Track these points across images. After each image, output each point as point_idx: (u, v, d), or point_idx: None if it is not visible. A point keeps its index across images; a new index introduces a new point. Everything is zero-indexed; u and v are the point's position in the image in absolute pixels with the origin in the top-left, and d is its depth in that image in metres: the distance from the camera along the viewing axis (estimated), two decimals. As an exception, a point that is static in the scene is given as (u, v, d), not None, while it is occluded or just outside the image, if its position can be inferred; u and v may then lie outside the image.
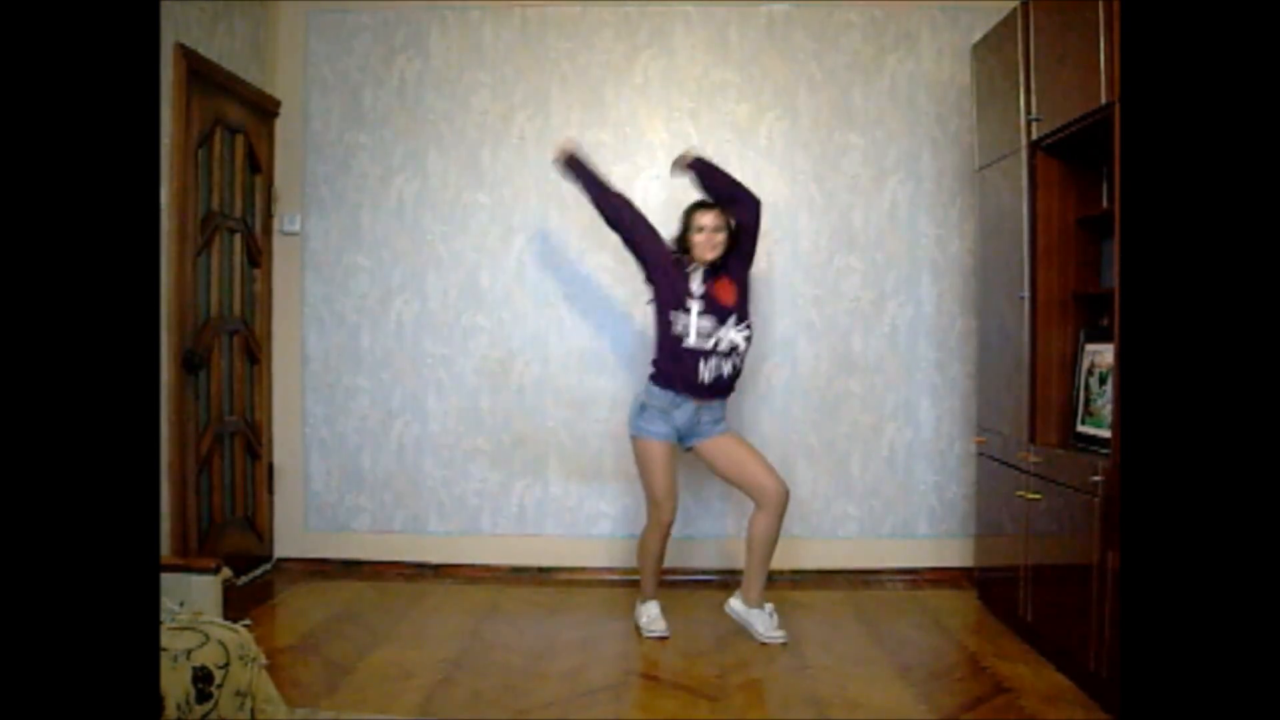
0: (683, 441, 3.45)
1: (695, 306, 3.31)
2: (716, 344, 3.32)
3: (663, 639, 3.42)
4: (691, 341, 3.31)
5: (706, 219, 3.36)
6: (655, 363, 3.43)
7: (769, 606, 3.41)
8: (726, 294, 3.36)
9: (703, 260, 3.36)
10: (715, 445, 3.44)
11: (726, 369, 3.35)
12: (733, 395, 3.50)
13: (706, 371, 3.32)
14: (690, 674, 3.06)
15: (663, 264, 3.38)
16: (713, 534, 4.24)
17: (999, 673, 3.03)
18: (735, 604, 3.47)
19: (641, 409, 3.41)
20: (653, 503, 3.45)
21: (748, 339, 3.37)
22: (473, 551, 4.28)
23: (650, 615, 3.50)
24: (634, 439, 3.44)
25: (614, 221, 3.45)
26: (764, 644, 3.33)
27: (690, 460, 4.24)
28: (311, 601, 3.84)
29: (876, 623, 3.60)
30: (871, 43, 4.22)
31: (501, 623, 3.62)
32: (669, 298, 3.35)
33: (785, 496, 3.38)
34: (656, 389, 3.38)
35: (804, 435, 4.24)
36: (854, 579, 4.17)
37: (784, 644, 3.32)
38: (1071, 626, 2.88)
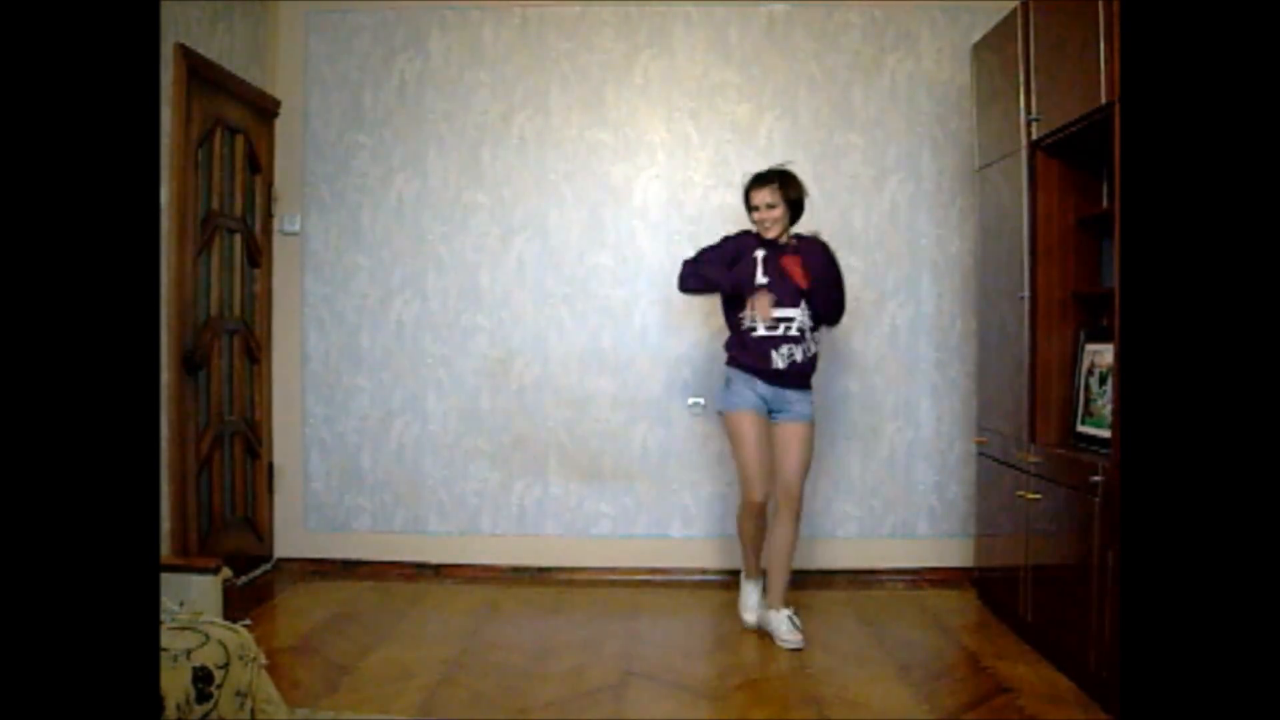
0: (772, 415, 3.39)
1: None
2: (788, 330, 3.31)
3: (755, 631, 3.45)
4: (761, 330, 3.31)
5: (758, 196, 3.37)
6: (727, 347, 3.44)
7: (787, 611, 3.38)
8: (800, 273, 3.33)
9: (766, 237, 3.37)
10: (788, 430, 3.39)
11: (799, 355, 3.33)
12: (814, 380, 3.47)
13: (779, 358, 3.31)
14: (690, 674, 3.07)
15: (732, 265, 3.36)
16: (715, 534, 4.24)
17: (999, 673, 3.03)
18: (760, 610, 3.48)
19: (726, 384, 3.41)
20: (741, 480, 3.42)
21: (813, 328, 3.35)
22: (473, 551, 4.28)
23: (744, 602, 3.52)
24: (722, 414, 3.45)
25: (701, 290, 3.49)
26: (782, 647, 3.28)
27: (689, 459, 4.25)
28: (311, 601, 3.84)
29: (876, 623, 3.60)
30: (871, 43, 4.22)
31: (501, 623, 3.62)
32: (744, 292, 3.35)
33: (797, 503, 3.40)
34: (736, 370, 3.38)
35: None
36: (854, 579, 4.17)
37: (799, 649, 3.26)
38: (1071, 626, 2.88)
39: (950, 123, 4.20)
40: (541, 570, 4.24)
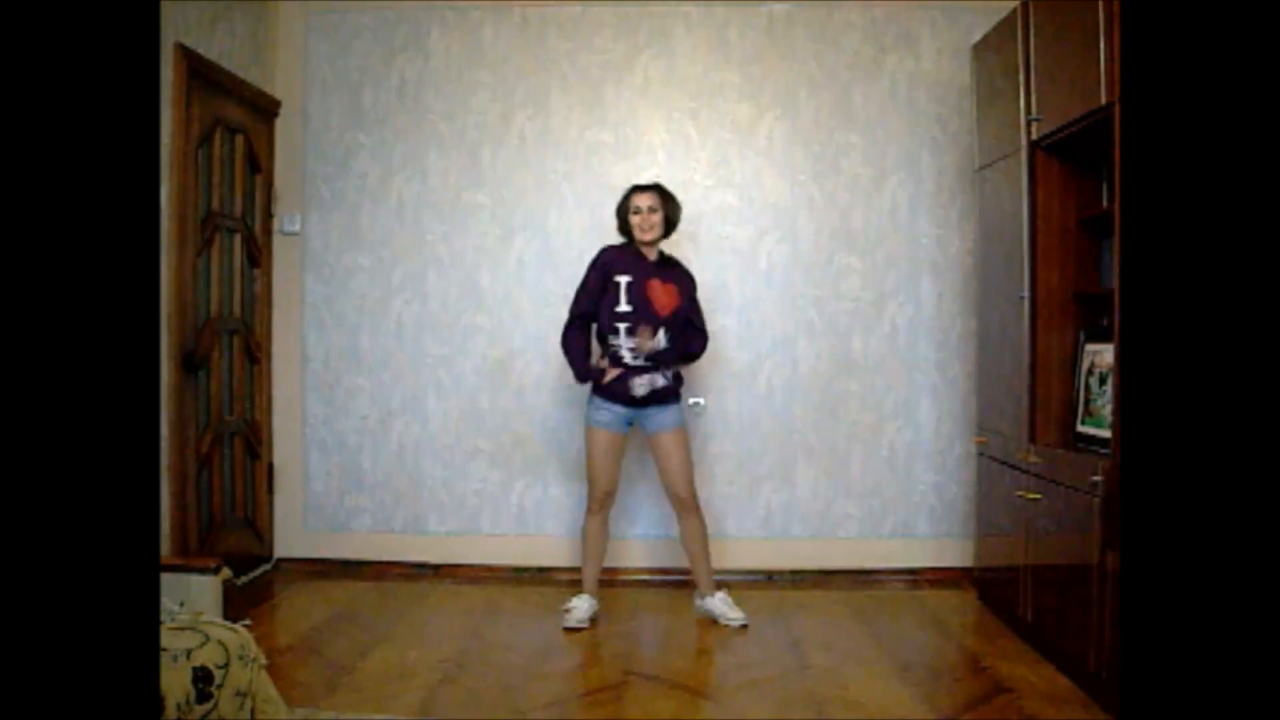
0: (642, 428, 3.56)
1: (623, 327, 3.44)
2: (643, 361, 3.45)
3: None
4: (625, 358, 3.45)
5: (643, 200, 3.50)
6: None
7: (720, 593, 3.58)
8: (666, 299, 3.48)
9: (641, 241, 3.48)
10: (661, 441, 3.54)
11: (659, 380, 3.48)
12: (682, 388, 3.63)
13: (638, 387, 3.46)
14: (690, 674, 3.07)
15: (602, 294, 3.48)
16: (715, 534, 4.22)
17: (999, 673, 3.03)
18: (698, 602, 3.62)
19: (590, 400, 3.55)
20: (588, 484, 3.60)
21: (672, 356, 3.49)
22: (473, 551, 4.28)
23: (575, 610, 3.56)
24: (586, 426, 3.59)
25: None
26: (729, 626, 3.49)
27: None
28: (311, 601, 3.84)
29: (876, 623, 3.60)
30: (871, 43, 4.22)
31: (501, 623, 3.62)
32: (604, 321, 3.49)
33: (691, 503, 3.57)
34: (597, 396, 3.51)
35: (804, 435, 4.24)
36: (854, 579, 4.17)
37: (744, 625, 3.49)
38: (1071, 626, 2.89)
39: (950, 123, 4.20)
40: (541, 570, 4.24)
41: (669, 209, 3.52)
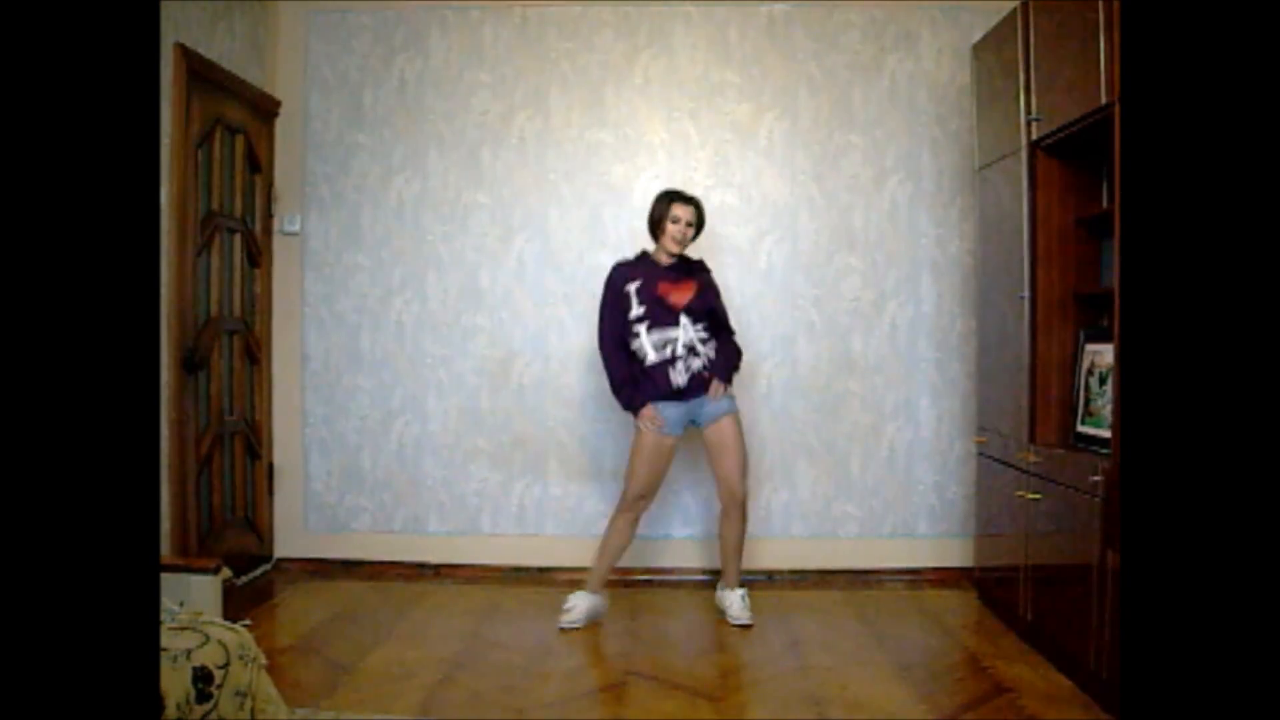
0: (695, 424, 3.55)
1: (641, 328, 3.45)
2: (675, 350, 3.44)
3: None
4: (652, 358, 3.45)
5: (684, 211, 3.49)
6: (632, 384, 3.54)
7: (741, 591, 3.60)
8: (679, 294, 3.47)
9: (668, 250, 3.50)
10: (716, 430, 3.52)
11: (696, 365, 3.46)
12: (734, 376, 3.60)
13: (678, 375, 3.45)
14: (690, 674, 3.06)
15: (624, 313, 3.49)
16: (715, 534, 4.23)
17: (999, 673, 3.03)
18: (719, 591, 3.66)
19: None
20: (627, 480, 3.56)
21: (704, 339, 3.48)
22: (472, 551, 4.28)
23: (575, 608, 3.55)
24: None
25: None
26: (738, 627, 3.50)
27: (689, 459, 4.25)
28: (311, 601, 3.84)
29: (876, 623, 3.60)
30: (871, 43, 4.22)
31: (501, 623, 3.62)
32: (625, 330, 3.49)
33: (742, 504, 3.55)
34: (650, 403, 3.49)
35: (804, 435, 4.24)
36: (854, 579, 4.17)
37: (749, 626, 3.49)
38: (1071, 626, 2.88)
39: (950, 123, 4.21)
40: (541, 570, 4.24)
41: (701, 223, 3.55)
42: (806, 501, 4.23)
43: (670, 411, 3.47)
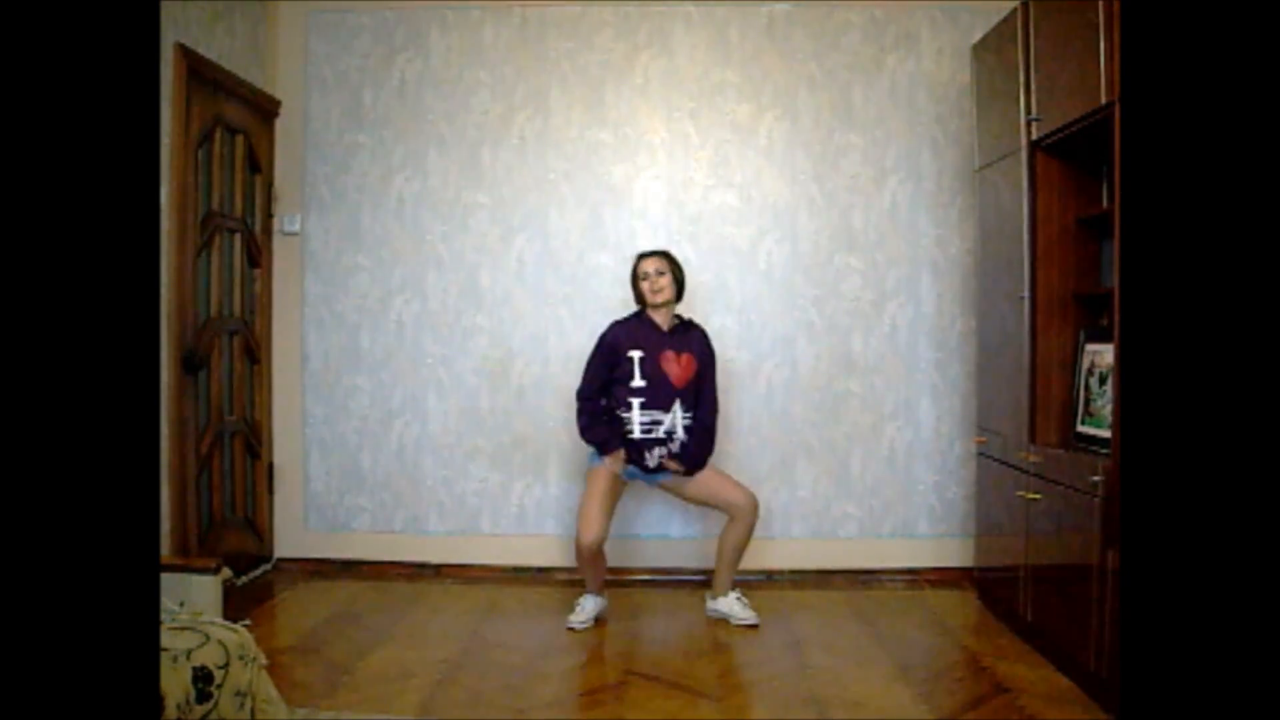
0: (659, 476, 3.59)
1: (636, 401, 3.47)
2: (657, 434, 3.48)
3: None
4: (636, 434, 3.48)
5: (649, 264, 3.55)
6: (601, 434, 3.52)
7: (735, 593, 3.60)
8: (681, 369, 3.51)
9: (653, 305, 3.53)
10: (693, 482, 3.56)
11: (673, 448, 3.50)
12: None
13: (651, 459, 3.49)
14: (690, 674, 3.06)
15: (612, 371, 3.50)
16: (715, 534, 4.23)
17: (999, 673, 3.03)
18: (710, 603, 3.64)
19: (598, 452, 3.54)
20: (578, 519, 3.49)
21: (688, 428, 3.51)
22: (472, 551, 4.28)
23: (582, 609, 3.56)
24: (590, 468, 3.56)
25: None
26: (744, 627, 3.49)
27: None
28: (311, 601, 3.84)
29: (876, 623, 3.60)
30: (871, 43, 4.22)
31: (501, 623, 3.62)
32: (618, 395, 3.50)
33: (756, 507, 3.56)
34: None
35: (804, 435, 4.24)
36: (854, 579, 4.17)
37: (755, 625, 3.50)
38: (1071, 626, 2.89)
39: (950, 123, 4.21)
40: (541, 570, 4.24)
41: (676, 272, 3.55)
42: (806, 501, 4.23)
43: (633, 469, 3.52)
